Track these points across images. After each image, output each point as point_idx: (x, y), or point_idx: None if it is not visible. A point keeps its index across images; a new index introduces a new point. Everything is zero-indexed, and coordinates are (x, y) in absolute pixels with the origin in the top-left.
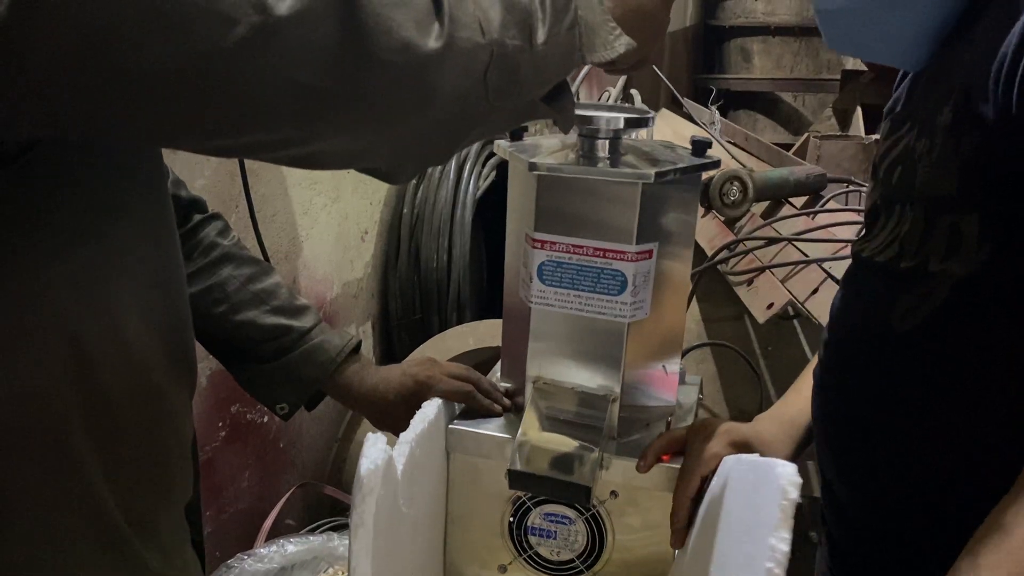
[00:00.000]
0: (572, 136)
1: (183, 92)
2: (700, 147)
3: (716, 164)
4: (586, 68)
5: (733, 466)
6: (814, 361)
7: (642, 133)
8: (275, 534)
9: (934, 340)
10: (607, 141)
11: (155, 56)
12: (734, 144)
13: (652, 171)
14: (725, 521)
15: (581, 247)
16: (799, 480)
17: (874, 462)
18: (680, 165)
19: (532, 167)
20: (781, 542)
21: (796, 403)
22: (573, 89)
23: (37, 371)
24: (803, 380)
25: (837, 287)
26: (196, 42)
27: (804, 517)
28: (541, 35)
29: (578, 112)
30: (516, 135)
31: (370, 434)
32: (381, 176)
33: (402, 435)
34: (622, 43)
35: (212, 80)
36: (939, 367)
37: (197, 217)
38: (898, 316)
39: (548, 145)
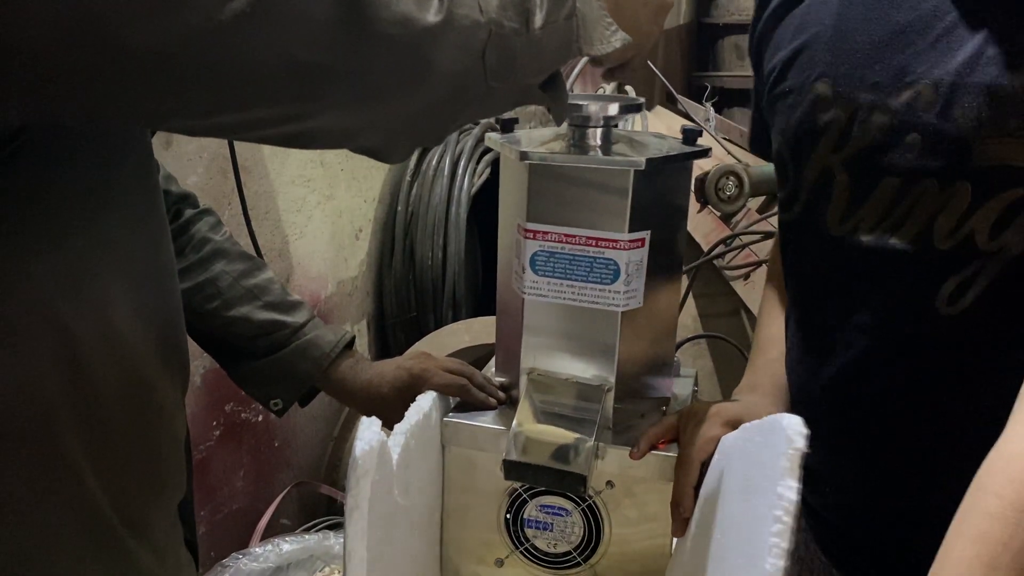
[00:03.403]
0: (563, 126)
1: (179, 68)
2: (691, 136)
3: (707, 152)
4: (581, 63)
5: (735, 437)
6: (767, 323)
7: (637, 124)
8: (270, 533)
9: (983, 323)
10: (598, 130)
11: (150, 31)
12: (729, 140)
13: (643, 158)
14: (729, 491)
15: (573, 236)
16: (805, 430)
17: (901, 444)
18: (671, 153)
19: (523, 156)
20: (788, 490)
21: (768, 367)
22: (568, 84)
23: (25, 363)
24: (764, 341)
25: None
26: (192, 16)
27: None
28: (538, 20)
29: (569, 102)
30: (507, 127)
31: (364, 418)
32: (375, 155)
33: (397, 426)
34: (618, 38)
35: (208, 56)
36: (987, 351)
37: (188, 212)
38: (944, 299)
39: (539, 135)
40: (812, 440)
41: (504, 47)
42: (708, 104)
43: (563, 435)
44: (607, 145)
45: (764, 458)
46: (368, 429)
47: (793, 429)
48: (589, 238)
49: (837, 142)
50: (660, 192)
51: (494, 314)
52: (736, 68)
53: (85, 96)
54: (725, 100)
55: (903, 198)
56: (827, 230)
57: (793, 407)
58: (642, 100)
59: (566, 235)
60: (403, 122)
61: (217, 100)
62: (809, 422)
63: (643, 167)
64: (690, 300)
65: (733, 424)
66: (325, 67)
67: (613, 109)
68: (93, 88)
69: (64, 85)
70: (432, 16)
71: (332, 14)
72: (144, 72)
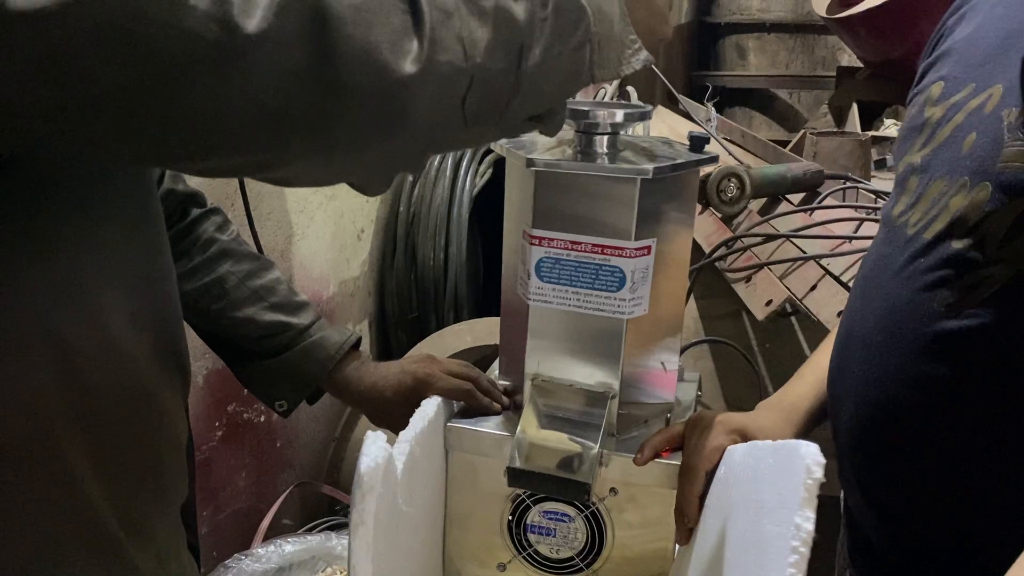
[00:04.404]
0: (570, 132)
1: (147, 112)
2: (698, 143)
3: (714, 159)
4: None
5: (744, 454)
6: (820, 351)
7: (639, 128)
8: (272, 534)
9: (985, 328)
10: (605, 137)
11: (119, 75)
12: (731, 141)
13: (650, 167)
14: (737, 508)
15: (579, 243)
16: (823, 460)
17: (922, 455)
18: (678, 161)
19: (530, 163)
20: (806, 521)
21: (796, 389)
22: None
23: (23, 376)
24: (807, 366)
25: (835, 283)
26: (160, 61)
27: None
28: (535, 55)
29: (575, 107)
30: None
31: (370, 432)
32: (354, 188)
33: (402, 434)
34: (640, 59)
35: (176, 100)
36: (988, 357)
37: (195, 212)
38: (944, 300)
39: (545, 141)
40: (836, 431)
41: (488, 92)
42: (709, 104)
43: (567, 442)
44: (614, 152)
45: (778, 482)
46: (374, 444)
47: (812, 458)
48: (595, 245)
49: (925, 140)
50: (667, 200)
51: (496, 314)
52: (737, 67)
53: (56, 137)
54: (726, 100)
55: (943, 195)
56: (892, 221)
57: (829, 395)
58: (650, 108)
59: (572, 242)
60: (378, 164)
61: (185, 145)
62: (835, 412)
63: (650, 176)
64: (691, 301)
65: (738, 432)
66: (294, 117)
67: (620, 117)
68: (64, 131)
69: (36, 127)
70: (409, 66)
71: (303, 63)
72: (113, 115)
